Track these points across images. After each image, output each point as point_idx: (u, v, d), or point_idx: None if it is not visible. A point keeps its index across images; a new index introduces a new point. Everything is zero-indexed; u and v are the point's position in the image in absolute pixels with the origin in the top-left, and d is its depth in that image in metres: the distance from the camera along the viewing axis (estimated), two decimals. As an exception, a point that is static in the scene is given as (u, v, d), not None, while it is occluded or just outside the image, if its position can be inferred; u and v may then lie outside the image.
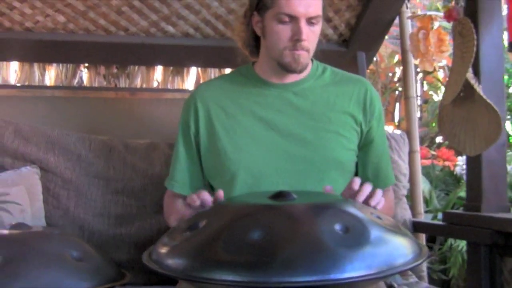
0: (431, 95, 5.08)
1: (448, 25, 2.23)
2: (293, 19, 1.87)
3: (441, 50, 2.25)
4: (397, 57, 4.83)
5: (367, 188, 1.65)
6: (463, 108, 2.13)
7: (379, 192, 1.66)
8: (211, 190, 2.07)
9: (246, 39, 2.06)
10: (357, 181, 1.67)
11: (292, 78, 2.01)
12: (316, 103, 2.01)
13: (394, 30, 3.08)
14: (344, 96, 2.04)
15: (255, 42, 2.04)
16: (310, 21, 1.88)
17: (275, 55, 1.95)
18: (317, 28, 1.92)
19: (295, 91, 2.02)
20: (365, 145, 2.05)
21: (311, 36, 1.91)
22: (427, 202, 3.74)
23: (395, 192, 2.44)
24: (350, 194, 1.67)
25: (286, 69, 1.95)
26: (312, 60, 2.06)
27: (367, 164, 2.06)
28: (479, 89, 2.05)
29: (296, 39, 1.88)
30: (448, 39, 2.28)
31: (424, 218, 2.91)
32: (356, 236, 1.25)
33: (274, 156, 1.95)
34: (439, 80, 4.80)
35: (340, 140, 1.99)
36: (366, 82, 2.11)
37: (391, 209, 2.16)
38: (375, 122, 2.05)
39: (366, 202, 1.64)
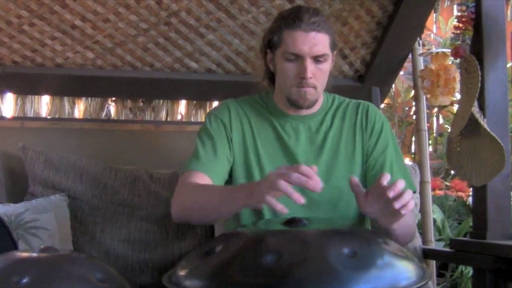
0: (447, 128, 5.04)
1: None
2: (299, 57, 1.91)
3: (438, 85, 2.31)
4: (413, 92, 4.80)
5: (400, 184, 1.59)
6: (469, 140, 2.18)
7: (408, 193, 1.58)
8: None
9: (264, 73, 2.10)
10: (387, 176, 1.63)
11: (306, 111, 2.05)
12: (326, 134, 2.06)
13: (410, 66, 3.15)
14: (350, 123, 2.08)
15: (272, 75, 2.08)
16: (316, 59, 1.92)
17: (284, 91, 2.01)
18: (325, 66, 1.95)
19: (309, 124, 2.07)
20: (367, 161, 2.06)
21: (317, 73, 1.94)
22: (440, 231, 3.74)
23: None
24: (379, 192, 1.64)
25: (294, 105, 2.00)
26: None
27: (372, 179, 2.03)
28: (483, 122, 2.10)
29: (301, 77, 1.92)
30: (449, 75, 2.33)
31: (437, 246, 2.90)
32: (362, 259, 1.29)
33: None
34: (453, 114, 4.75)
35: (349, 168, 2.03)
36: (367, 104, 2.14)
37: (412, 225, 2.10)
38: (373, 139, 2.07)
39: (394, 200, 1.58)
